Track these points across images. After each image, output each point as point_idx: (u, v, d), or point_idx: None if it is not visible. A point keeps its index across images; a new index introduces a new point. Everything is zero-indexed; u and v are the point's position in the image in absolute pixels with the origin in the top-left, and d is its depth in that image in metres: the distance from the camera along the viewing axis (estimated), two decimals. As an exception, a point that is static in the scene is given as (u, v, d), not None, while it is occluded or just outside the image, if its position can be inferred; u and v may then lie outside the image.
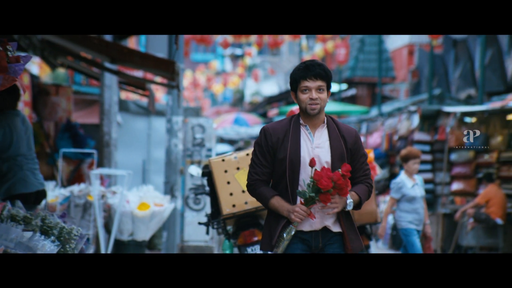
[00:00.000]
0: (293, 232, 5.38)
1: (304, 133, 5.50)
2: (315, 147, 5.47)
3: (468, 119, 18.80)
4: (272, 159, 5.47)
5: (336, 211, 5.42)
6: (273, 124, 5.54)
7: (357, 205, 5.55)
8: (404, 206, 10.70)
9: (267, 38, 29.83)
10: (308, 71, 5.43)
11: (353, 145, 5.54)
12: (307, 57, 36.00)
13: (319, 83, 5.41)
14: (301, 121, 5.53)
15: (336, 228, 5.50)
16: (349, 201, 5.45)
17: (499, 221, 17.58)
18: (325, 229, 5.48)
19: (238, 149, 25.04)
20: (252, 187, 5.51)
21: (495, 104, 19.23)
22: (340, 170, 5.34)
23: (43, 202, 9.25)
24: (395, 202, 10.74)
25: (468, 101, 23.54)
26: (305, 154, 5.43)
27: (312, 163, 5.33)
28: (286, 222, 5.42)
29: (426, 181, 20.14)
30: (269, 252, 5.46)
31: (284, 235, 5.37)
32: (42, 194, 8.35)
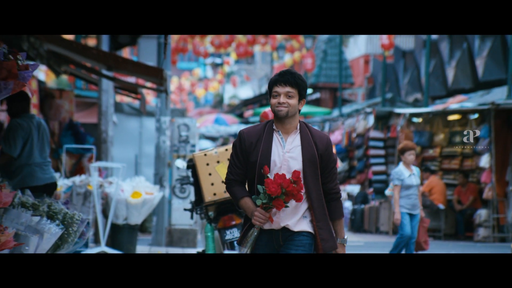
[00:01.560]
0: (255, 233, 4.99)
1: (276, 139, 5.07)
2: (286, 152, 5.03)
3: (415, 119, 18.91)
4: (245, 162, 5.06)
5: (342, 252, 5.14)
6: (248, 128, 5.14)
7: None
8: (400, 192, 10.67)
9: (242, 49, 29.87)
10: (279, 78, 5.05)
11: (324, 151, 5.07)
12: (277, 65, 35.99)
13: (288, 89, 4.99)
14: (274, 127, 5.08)
15: (297, 228, 5.05)
16: (346, 243, 5.16)
17: (441, 206, 17.70)
18: (285, 229, 5.04)
19: (223, 145, 25.02)
20: (227, 186, 5.15)
21: (438, 106, 19.38)
22: (290, 177, 4.92)
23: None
24: (399, 188, 10.63)
25: (415, 104, 23.67)
26: (276, 159, 5.02)
27: (264, 171, 4.93)
28: (250, 224, 5.06)
29: (379, 173, 20.24)
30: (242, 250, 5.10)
31: (248, 235, 5.01)
32: (52, 187, 8.30)
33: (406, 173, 10.68)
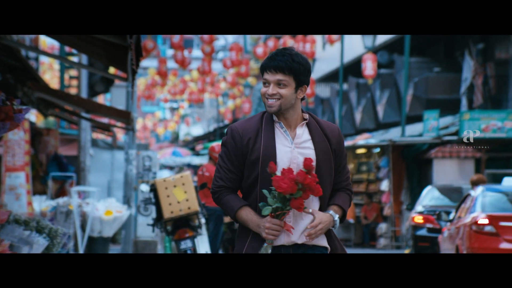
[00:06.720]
0: (270, 251, 3.15)
1: (279, 132, 3.25)
2: (295, 147, 3.23)
3: (331, 152, 19.18)
4: (241, 164, 3.23)
5: (320, 233, 3.19)
6: (241, 123, 3.27)
7: (342, 219, 3.31)
8: None
9: (195, 96, 29.98)
10: (269, 62, 3.20)
11: (337, 145, 3.29)
12: (222, 109, 35.88)
13: (279, 77, 3.17)
14: (275, 118, 3.26)
15: (315, 241, 3.25)
16: (336, 218, 3.24)
17: (351, 221, 17.95)
18: (296, 244, 3.24)
19: (178, 173, 24.89)
20: (217, 196, 3.25)
21: (348, 142, 19.72)
22: (302, 168, 3.16)
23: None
24: None
25: (331, 140, 24.01)
26: (282, 156, 3.21)
27: (271, 169, 3.14)
28: (257, 238, 3.20)
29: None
30: None
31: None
32: None
33: None
